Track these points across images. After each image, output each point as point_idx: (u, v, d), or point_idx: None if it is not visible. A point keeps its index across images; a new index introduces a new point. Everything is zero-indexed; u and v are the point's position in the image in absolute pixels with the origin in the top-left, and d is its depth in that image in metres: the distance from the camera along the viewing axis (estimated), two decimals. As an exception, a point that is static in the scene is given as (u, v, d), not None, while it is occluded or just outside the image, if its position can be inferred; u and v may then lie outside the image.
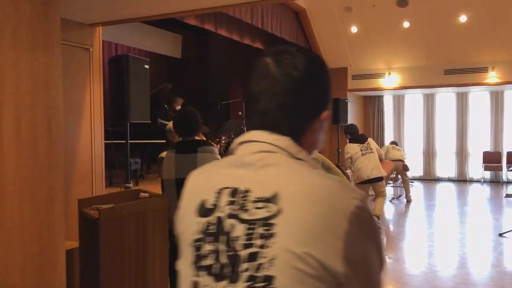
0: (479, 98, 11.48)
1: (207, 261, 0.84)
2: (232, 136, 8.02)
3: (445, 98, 11.76)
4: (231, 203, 0.85)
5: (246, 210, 0.83)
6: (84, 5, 3.78)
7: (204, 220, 0.87)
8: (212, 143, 3.21)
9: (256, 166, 0.86)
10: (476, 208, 8.41)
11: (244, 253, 0.80)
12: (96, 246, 2.81)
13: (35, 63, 2.37)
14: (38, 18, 2.39)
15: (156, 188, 4.78)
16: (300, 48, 0.94)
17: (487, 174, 11.51)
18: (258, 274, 0.78)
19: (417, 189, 10.52)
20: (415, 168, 11.71)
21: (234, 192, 0.86)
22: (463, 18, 8.96)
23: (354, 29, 10.01)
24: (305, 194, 0.80)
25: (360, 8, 9.49)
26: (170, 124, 3.92)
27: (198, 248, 0.86)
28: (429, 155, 12.06)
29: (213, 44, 12.67)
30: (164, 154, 3.33)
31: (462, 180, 11.72)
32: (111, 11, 4.01)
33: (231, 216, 0.84)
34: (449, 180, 11.86)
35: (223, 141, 7.64)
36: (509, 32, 8.87)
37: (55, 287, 2.48)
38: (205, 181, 0.93)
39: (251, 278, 0.79)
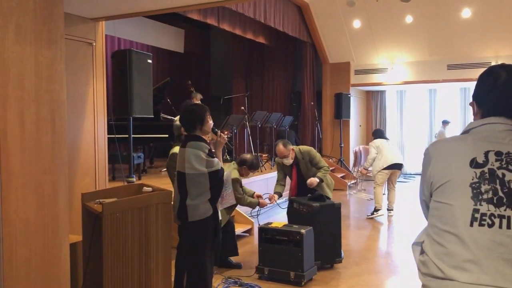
0: (482, 94, 11.41)
1: (487, 195, 1.27)
2: (235, 130, 7.87)
3: (448, 93, 11.71)
4: (498, 160, 1.29)
5: None
6: (87, -1, 3.78)
7: (479, 170, 1.30)
8: (204, 138, 3.22)
9: (508, 138, 1.33)
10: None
11: None
12: (99, 240, 2.83)
13: (38, 58, 2.38)
14: (41, 12, 2.39)
15: (159, 182, 4.81)
16: None
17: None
18: None
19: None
20: (417, 164, 11.68)
21: (498, 153, 1.30)
22: (466, 13, 8.92)
23: (357, 24, 9.97)
24: None
25: (363, 2, 9.45)
26: (177, 119, 4.04)
27: (476, 188, 1.28)
28: (431, 150, 11.98)
29: (215, 39, 12.64)
30: (175, 149, 3.39)
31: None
32: (114, 5, 4.02)
33: (500, 168, 1.28)
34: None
35: (226, 136, 7.55)
36: (513, 27, 8.83)
37: (59, 280, 2.50)
38: (463, 147, 1.36)
39: None
